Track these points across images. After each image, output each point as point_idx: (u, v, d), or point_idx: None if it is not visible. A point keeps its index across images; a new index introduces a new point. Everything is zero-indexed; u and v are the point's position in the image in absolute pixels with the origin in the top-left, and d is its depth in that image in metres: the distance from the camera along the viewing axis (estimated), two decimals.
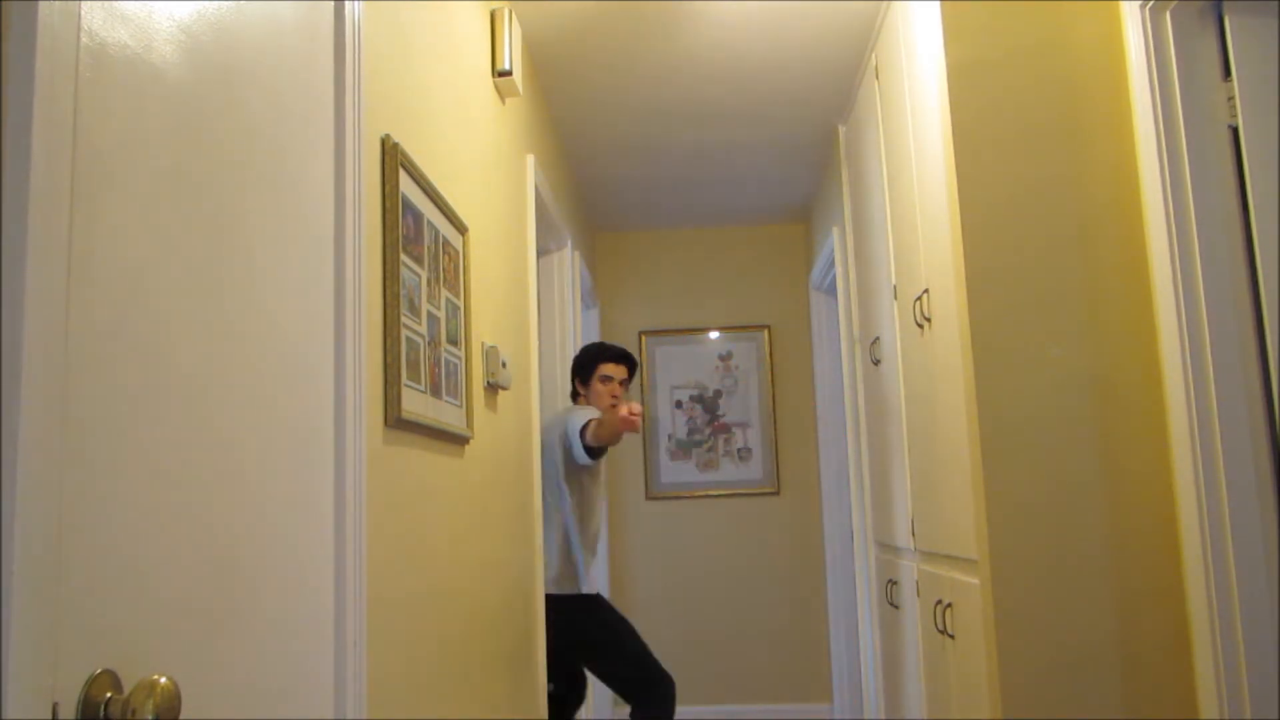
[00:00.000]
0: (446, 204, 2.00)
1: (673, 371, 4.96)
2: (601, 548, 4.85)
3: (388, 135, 1.67)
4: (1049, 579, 1.96)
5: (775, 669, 4.78)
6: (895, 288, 2.79)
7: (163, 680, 0.80)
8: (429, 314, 1.85)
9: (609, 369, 3.33)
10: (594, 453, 3.11)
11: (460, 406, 2.06)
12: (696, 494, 4.88)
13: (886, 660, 3.29)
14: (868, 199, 3.19)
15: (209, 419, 1.03)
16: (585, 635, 3.15)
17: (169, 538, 0.94)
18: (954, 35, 2.13)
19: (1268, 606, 1.74)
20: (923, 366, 2.50)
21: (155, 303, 0.94)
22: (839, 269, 3.92)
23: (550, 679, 3.12)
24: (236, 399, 1.10)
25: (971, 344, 2.04)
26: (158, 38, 0.97)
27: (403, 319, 1.68)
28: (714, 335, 4.98)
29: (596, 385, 3.33)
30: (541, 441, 3.14)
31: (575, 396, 3.42)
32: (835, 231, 3.98)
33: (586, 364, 3.36)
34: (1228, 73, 1.83)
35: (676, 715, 4.76)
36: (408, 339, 1.71)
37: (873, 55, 2.99)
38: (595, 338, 4.89)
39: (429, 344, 1.85)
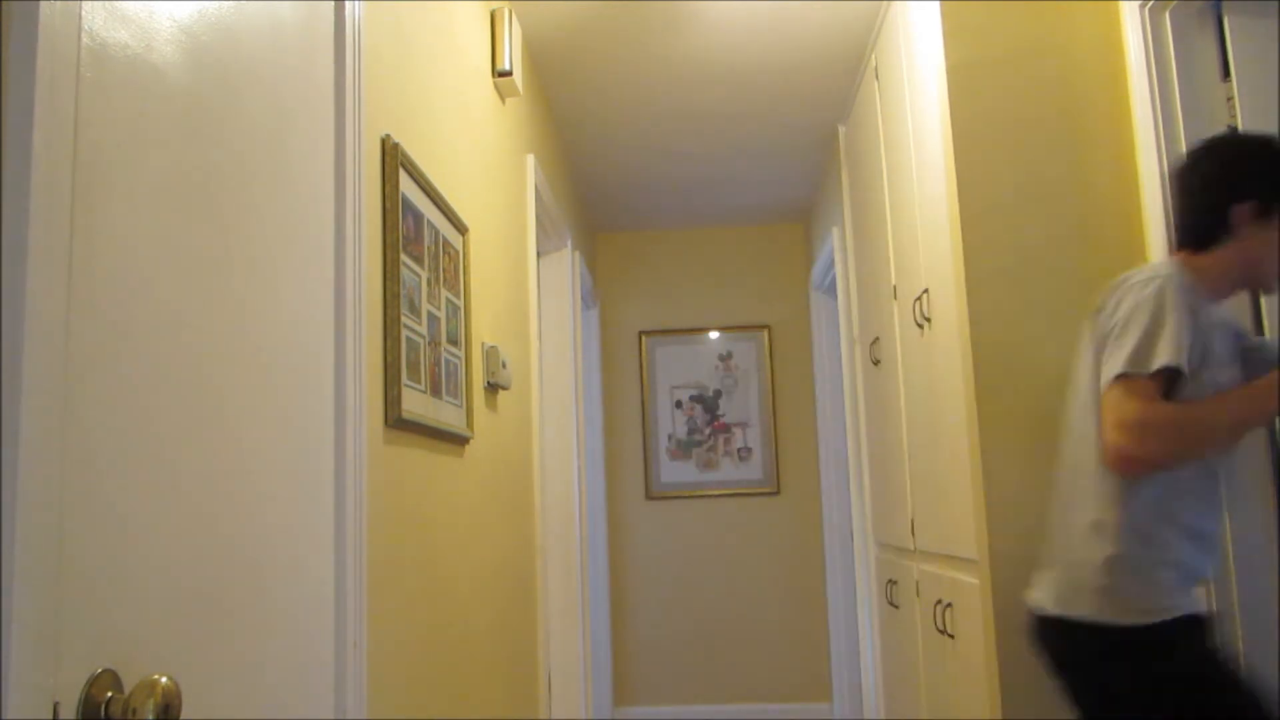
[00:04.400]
0: (446, 204, 2.00)
1: (673, 371, 4.96)
2: (605, 548, 4.85)
3: (388, 135, 1.67)
4: None
5: (775, 669, 4.78)
6: (895, 288, 2.79)
7: (163, 680, 0.81)
8: (429, 314, 1.85)
9: None
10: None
11: (460, 406, 2.06)
12: (696, 494, 4.88)
13: (886, 660, 3.28)
14: (867, 199, 3.19)
15: (209, 419, 1.03)
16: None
17: (170, 538, 0.94)
18: (953, 35, 2.13)
19: (1268, 606, 1.74)
20: (923, 366, 2.50)
21: (155, 302, 0.94)
22: (839, 269, 3.92)
23: None
24: (236, 399, 1.10)
25: (971, 344, 2.04)
26: (158, 38, 0.97)
27: (403, 319, 1.68)
28: (714, 335, 4.98)
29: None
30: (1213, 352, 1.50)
31: (1204, 243, 1.59)
32: (835, 231, 3.98)
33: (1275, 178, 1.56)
34: (1227, 73, 1.83)
35: (675, 714, 4.78)
36: (408, 339, 1.71)
37: (873, 55, 2.99)
38: (595, 338, 4.85)
39: (429, 344, 1.85)
